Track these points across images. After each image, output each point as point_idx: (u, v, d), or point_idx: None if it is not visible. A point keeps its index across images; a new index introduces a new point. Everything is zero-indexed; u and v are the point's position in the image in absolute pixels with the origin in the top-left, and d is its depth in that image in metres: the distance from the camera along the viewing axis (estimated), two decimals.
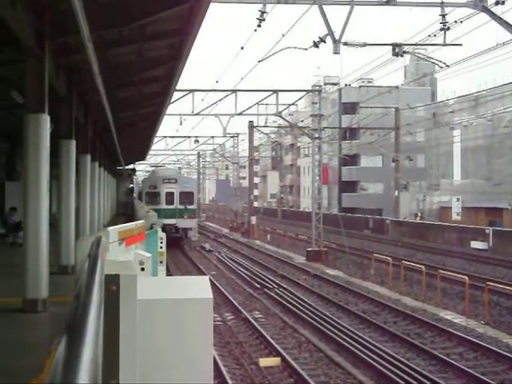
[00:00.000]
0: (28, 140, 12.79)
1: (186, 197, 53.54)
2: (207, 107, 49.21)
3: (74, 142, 19.32)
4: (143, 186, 57.88)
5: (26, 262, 12.63)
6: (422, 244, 52.65)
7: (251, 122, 66.34)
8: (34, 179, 12.72)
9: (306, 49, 29.88)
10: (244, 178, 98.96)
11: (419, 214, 75.79)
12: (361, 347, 18.92)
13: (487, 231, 48.02)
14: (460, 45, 30.20)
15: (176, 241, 49.83)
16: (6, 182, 32.27)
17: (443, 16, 27.24)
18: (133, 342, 3.35)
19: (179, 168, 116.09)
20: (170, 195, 53.28)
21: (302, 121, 69.36)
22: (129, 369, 3.25)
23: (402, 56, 30.66)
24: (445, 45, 29.09)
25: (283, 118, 55.25)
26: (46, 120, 12.93)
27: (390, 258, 32.89)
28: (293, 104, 54.66)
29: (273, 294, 28.74)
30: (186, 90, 45.11)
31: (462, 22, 27.41)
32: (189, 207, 53.68)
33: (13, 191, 29.03)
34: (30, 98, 13.10)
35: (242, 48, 33.93)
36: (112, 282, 3.19)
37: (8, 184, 31.57)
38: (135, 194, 67.32)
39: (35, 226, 12.71)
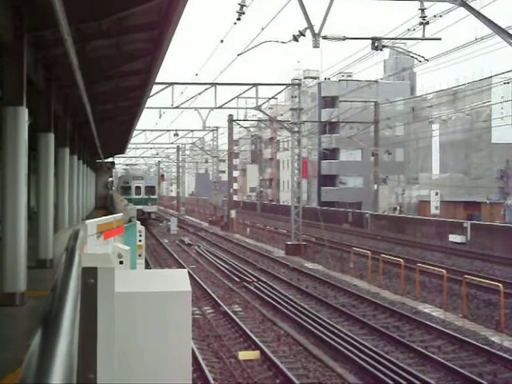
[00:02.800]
0: (6, 133, 12.71)
1: (150, 190, 72.06)
2: (187, 100, 49.11)
3: (52, 136, 19.21)
4: (119, 181, 76.75)
5: (3, 255, 12.56)
6: (400, 238, 52.87)
7: (231, 115, 66.35)
8: (12, 172, 12.65)
9: (285, 42, 29.93)
10: (223, 171, 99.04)
11: (398, 208, 76.14)
12: (340, 340, 18.99)
13: (465, 225, 48.28)
14: (439, 39, 30.33)
15: (143, 220, 52.73)
16: None
17: (422, 10, 27.36)
18: (111, 335, 3.34)
19: (159, 162, 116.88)
20: (138, 188, 71.22)
21: (282, 115, 69.52)
22: (106, 362, 3.25)
23: (381, 50, 30.76)
24: (424, 39, 29.22)
25: (263, 112, 55.27)
26: (24, 113, 12.86)
27: (369, 252, 33.01)
28: (272, 98, 54.64)
29: (252, 288, 28.78)
30: (165, 83, 44.97)
31: (441, 16, 27.53)
32: (151, 197, 71.72)
33: None
34: (8, 90, 13.02)
35: (222, 41, 33.95)
36: (89, 275, 3.18)
37: None
38: (114, 187, 69.10)
39: (13, 220, 12.64)
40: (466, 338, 19.18)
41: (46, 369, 1.45)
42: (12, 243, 12.60)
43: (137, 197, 68.49)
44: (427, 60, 33.07)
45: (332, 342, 18.91)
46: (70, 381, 1.53)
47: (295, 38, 27.59)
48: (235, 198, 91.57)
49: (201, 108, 55.64)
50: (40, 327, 1.82)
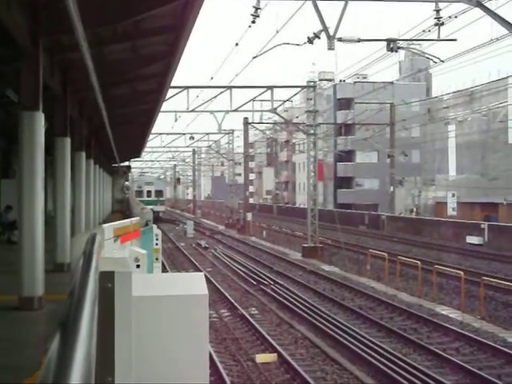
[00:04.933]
0: (23, 137, 12.78)
1: (159, 193, 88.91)
2: (202, 104, 49.22)
3: (68, 140, 19.30)
4: (132, 186, 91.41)
5: (21, 259, 12.62)
6: (417, 239, 52.69)
7: (246, 118, 66.37)
8: (29, 177, 12.71)
9: (299, 45, 29.92)
10: (239, 174, 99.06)
11: (414, 210, 75.89)
12: (357, 343, 18.93)
13: (482, 226, 48.08)
14: (455, 40, 30.23)
15: (154, 219, 56.41)
16: (1, 179, 32.14)
17: (437, 11, 27.27)
18: (128, 338, 3.34)
19: (175, 165, 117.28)
20: (149, 192, 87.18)
21: (297, 117, 69.47)
22: (124, 366, 3.25)
23: (396, 51, 30.69)
24: (439, 40, 29.11)
25: (278, 115, 55.29)
26: (40, 117, 12.92)
27: (385, 254, 32.92)
28: (288, 100, 54.63)
29: (269, 291, 28.75)
30: (180, 87, 45.05)
31: (456, 17, 27.44)
32: (160, 199, 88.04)
33: (8, 189, 28.94)
34: (25, 95, 13.09)
35: (237, 44, 33.93)
36: (107, 279, 3.18)
37: (3, 182, 31.46)
38: (130, 191, 70.67)
39: (30, 224, 12.70)
40: (484, 340, 19.07)
41: (65, 373, 1.45)
42: (29, 247, 12.66)
43: (148, 199, 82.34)
44: (443, 61, 32.99)
45: (349, 345, 18.86)
46: None
47: (310, 41, 27.59)
48: (251, 200, 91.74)
49: (216, 111, 55.78)
50: (58, 331, 1.83)
